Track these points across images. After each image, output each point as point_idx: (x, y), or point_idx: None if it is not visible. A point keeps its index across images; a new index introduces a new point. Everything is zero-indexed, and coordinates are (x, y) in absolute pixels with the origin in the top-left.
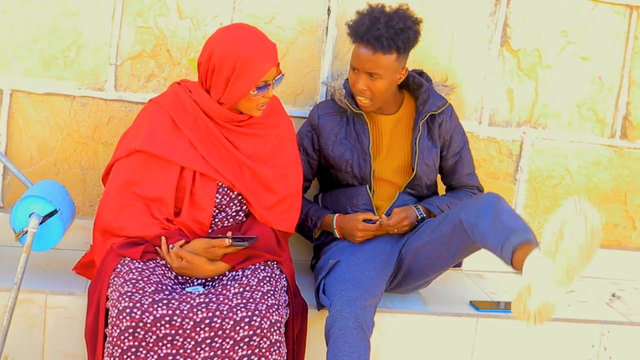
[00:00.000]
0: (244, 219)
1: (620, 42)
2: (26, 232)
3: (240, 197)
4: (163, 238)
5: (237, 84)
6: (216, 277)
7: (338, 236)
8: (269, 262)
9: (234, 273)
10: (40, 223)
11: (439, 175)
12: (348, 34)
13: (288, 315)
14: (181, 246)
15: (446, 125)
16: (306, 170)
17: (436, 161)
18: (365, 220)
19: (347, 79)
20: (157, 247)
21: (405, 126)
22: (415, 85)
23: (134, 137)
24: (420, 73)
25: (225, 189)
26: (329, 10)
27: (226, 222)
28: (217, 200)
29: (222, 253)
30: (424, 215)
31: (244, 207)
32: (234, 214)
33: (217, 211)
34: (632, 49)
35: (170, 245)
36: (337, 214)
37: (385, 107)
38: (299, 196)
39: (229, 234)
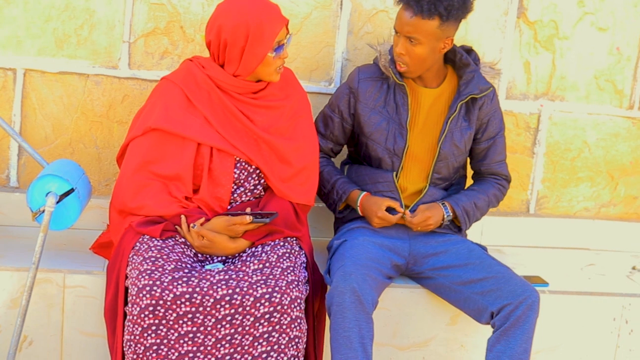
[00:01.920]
0: (262, 193)
1: (638, 12)
2: (43, 211)
3: (258, 171)
4: (183, 217)
5: (252, 51)
6: (236, 254)
7: (360, 214)
8: (288, 238)
9: (253, 249)
10: (57, 202)
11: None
12: None
13: (308, 291)
14: (201, 224)
15: (486, 108)
16: (339, 133)
17: (468, 144)
18: (388, 209)
19: (393, 45)
20: (177, 226)
21: (444, 103)
22: (461, 64)
23: (148, 115)
24: (469, 50)
25: (243, 164)
26: None
27: (244, 196)
28: (235, 176)
29: (242, 230)
30: (451, 216)
31: (262, 181)
32: (252, 187)
33: (235, 186)
34: None
35: (191, 224)
36: (364, 193)
37: (427, 79)
38: (316, 168)
39: (248, 209)
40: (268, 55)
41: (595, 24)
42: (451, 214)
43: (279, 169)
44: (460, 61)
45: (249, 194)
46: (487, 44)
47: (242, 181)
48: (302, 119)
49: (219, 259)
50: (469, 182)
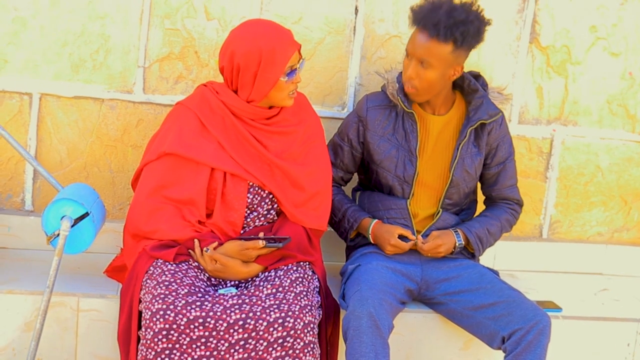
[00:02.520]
0: (275, 218)
1: None
2: (58, 235)
3: (271, 196)
4: (196, 241)
5: (265, 75)
6: (249, 279)
7: (372, 242)
8: (301, 263)
9: (266, 274)
10: (72, 226)
11: (479, 184)
12: (408, 16)
13: (321, 316)
14: (215, 248)
15: (495, 133)
16: (349, 162)
17: (478, 169)
18: (400, 237)
19: (401, 72)
20: (190, 250)
21: (454, 130)
22: (470, 90)
23: (163, 140)
24: (477, 76)
25: (256, 189)
26: (356, 9)
27: (257, 221)
28: (249, 200)
29: (255, 255)
30: (462, 243)
31: (275, 206)
32: (265, 212)
33: (248, 211)
34: None
35: (205, 248)
36: (375, 221)
37: (436, 105)
38: (329, 193)
39: (261, 234)
40: (280, 79)
41: (608, 49)
42: (463, 242)
43: (292, 194)
44: (468, 87)
45: (262, 218)
46: (500, 69)
47: (255, 206)
48: (316, 144)
49: (232, 283)
50: (480, 206)
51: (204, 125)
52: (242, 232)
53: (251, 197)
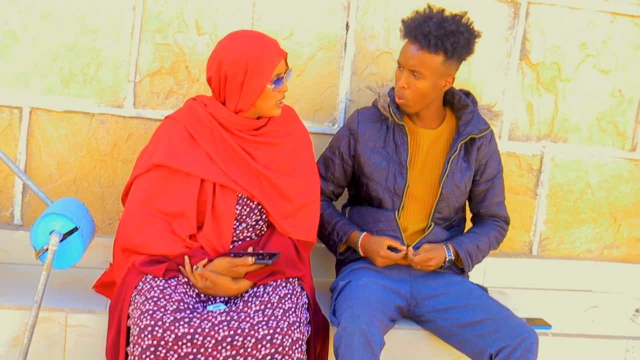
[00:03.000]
0: (264, 229)
1: (639, 54)
2: (46, 250)
3: (259, 207)
4: (186, 258)
5: (252, 84)
6: (238, 295)
7: (362, 255)
8: (290, 279)
9: (255, 289)
10: (61, 241)
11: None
12: (400, 29)
13: (309, 332)
14: (204, 265)
15: (484, 149)
16: (340, 175)
17: (468, 184)
18: (390, 248)
19: (393, 87)
20: (180, 267)
21: (444, 144)
22: (460, 105)
23: (152, 153)
24: (467, 93)
25: (245, 200)
26: (347, 25)
27: (246, 232)
28: (237, 212)
29: (245, 271)
30: (453, 258)
31: (264, 217)
32: (253, 223)
33: (237, 222)
34: None
35: (195, 266)
36: (364, 233)
37: (426, 119)
38: (317, 205)
39: (250, 249)
40: (267, 87)
41: (598, 66)
42: (453, 257)
43: (280, 205)
44: (459, 103)
45: (250, 229)
46: (490, 86)
47: (244, 217)
48: (303, 155)
49: (222, 299)
50: (468, 224)
51: (193, 137)
52: (231, 246)
53: (240, 208)
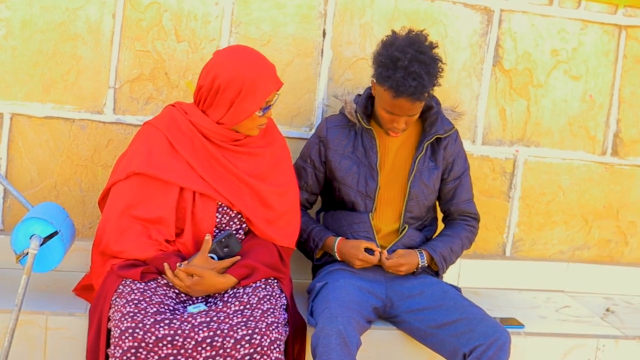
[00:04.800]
0: (244, 237)
1: (609, 60)
2: (27, 253)
3: (239, 216)
4: (166, 264)
5: (242, 105)
6: (217, 295)
7: (339, 259)
8: (269, 281)
9: (235, 290)
10: (41, 244)
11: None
12: (389, 92)
13: (287, 333)
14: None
15: (451, 149)
16: (312, 183)
17: (436, 183)
18: (366, 250)
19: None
20: (163, 274)
21: (411, 145)
22: (424, 107)
23: (131, 159)
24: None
25: (225, 208)
26: (324, 32)
27: None
28: (217, 220)
29: (224, 267)
30: (425, 264)
31: (244, 225)
32: (234, 232)
33: (217, 230)
34: (622, 68)
35: (178, 264)
36: (339, 238)
37: None
38: (297, 213)
39: (207, 236)
40: (256, 113)
41: (569, 72)
42: (426, 263)
43: (261, 212)
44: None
45: None
46: (464, 92)
47: (224, 225)
48: (283, 166)
49: (201, 299)
50: (440, 223)
51: (172, 145)
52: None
53: (220, 216)
